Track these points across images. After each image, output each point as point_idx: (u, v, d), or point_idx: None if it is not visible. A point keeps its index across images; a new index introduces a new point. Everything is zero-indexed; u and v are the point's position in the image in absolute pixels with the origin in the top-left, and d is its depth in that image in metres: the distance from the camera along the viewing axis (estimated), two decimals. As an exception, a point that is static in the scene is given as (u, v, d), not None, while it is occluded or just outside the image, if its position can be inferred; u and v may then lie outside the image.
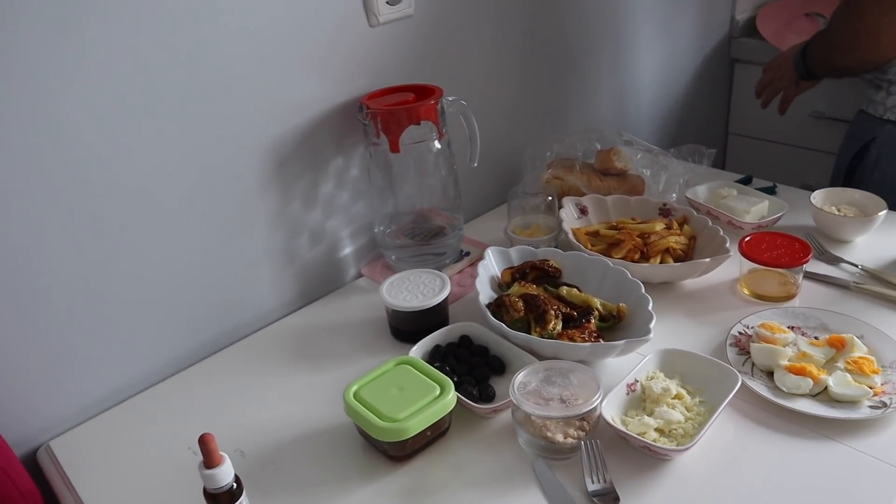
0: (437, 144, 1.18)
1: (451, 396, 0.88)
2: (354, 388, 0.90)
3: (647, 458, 0.86)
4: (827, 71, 1.47)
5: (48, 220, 0.92)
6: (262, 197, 1.13)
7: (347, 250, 1.29)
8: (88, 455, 0.96)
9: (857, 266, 1.20)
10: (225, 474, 0.78)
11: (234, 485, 0.80)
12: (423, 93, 1.15)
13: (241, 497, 0.80)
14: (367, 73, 1.19)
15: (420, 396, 0.87)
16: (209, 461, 0.78)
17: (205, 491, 0.80)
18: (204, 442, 0.77)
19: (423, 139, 1.16)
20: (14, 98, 0.85)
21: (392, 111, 1.10)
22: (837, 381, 0.92)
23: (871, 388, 0.91)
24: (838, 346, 0.98)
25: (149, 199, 1.00)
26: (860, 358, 0.95)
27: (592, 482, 0.82)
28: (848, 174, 1.57)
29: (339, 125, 1.18)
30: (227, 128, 1.05)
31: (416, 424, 0.84)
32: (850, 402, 0.90)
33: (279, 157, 1.12)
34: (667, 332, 1.06)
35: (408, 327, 1.08)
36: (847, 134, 1.61)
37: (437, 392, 0.88)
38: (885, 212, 1.24)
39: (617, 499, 0.81)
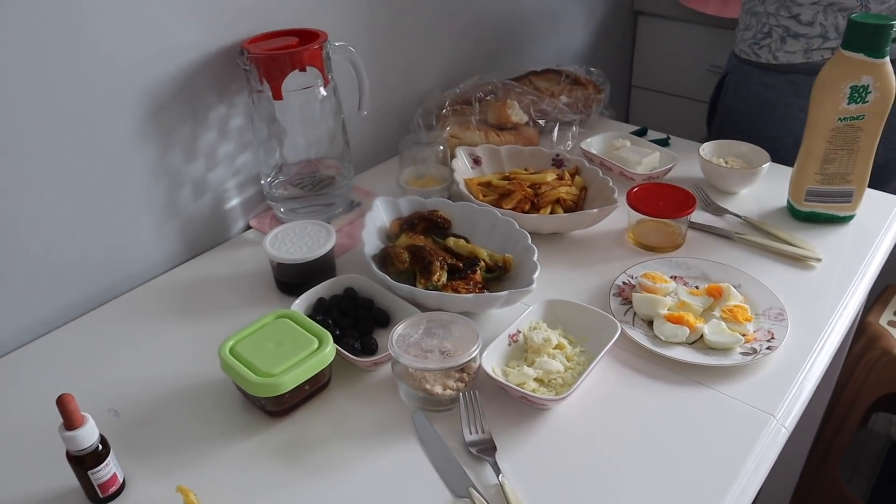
0: (323, 91, 1.13)
1: (330, 350, 0.86)
2: (230, 343, 0.87)
3: (526, 408, 0.87)
4: None
5: None
6: (138, 146, 1.06)
7: (234, 202, 1.24)
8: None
9: (740, 217, 1.23)
10: (88, 435, 0.75)
11: (100, 445, 0.77)
12: (308, 37, 1.10)
13: (108, 458, 0.77)
14: (250, 17, 1.13)
15: (297, 350, 0.85)
16: (69, 422, 0.74)
17: (68, 454, 0.76)
18: (62, 403, 0.73)
19: (309, 86, 1.12)
20: None
21: (274, 56, 1.05)
22: (712, 329, 0.94)
23: (743, 335, 0.94)
24: (716, 295, 1.01)
25: (10, 148, 0.93)
26: (735, 306, 0.98)
27: (470, 433, 0.83)
28: (711, 109, 1.68)
29: (220, 71, 1.12)
30: (97, 71, 0.98)
31: (292, 379, 0.82)
32: (724, 349, 0.93)
33: (156, 103, 1.06)
34: (554, 283, 1.07)
35: (292, 280, 1.06)
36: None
37: (315, 346, 0.86)
38: (767, 164, 1.27)
39: (494, 448, 0.81)
